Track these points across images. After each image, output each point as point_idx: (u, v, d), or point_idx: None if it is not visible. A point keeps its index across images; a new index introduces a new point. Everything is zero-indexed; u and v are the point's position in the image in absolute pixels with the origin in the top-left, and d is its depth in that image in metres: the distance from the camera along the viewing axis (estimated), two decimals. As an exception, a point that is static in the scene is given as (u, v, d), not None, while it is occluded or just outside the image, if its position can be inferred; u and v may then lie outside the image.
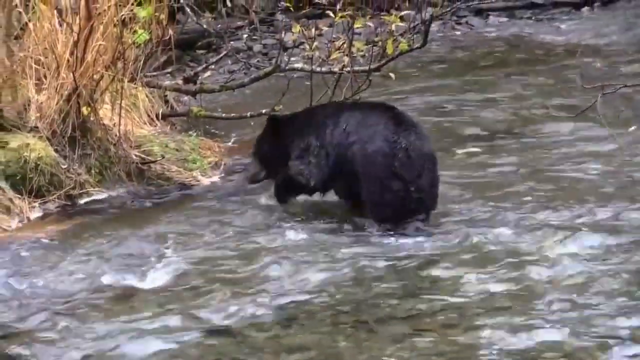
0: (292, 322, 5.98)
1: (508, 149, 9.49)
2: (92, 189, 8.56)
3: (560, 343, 5.48)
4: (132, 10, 8.80)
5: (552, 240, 6.96)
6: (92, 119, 8.70)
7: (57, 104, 8.55)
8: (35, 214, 8.17)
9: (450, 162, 8.86)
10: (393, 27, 9.34)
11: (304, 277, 6.62)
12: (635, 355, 5.33)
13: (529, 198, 7.94)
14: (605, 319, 5.75)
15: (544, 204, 7.80)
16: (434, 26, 13.61)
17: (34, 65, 8.70)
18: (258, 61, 13.48)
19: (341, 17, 9.25)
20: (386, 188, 7.25)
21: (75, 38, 8.49)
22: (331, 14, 9.34)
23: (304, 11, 14.23)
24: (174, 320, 6.01)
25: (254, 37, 14.59)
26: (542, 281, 6.35)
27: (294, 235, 7.43)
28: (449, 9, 13.33)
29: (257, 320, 6.00)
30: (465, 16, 16.12)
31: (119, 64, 8.78)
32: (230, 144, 10.11)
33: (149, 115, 9.77)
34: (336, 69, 9.53)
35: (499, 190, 8.19)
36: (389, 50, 9.33)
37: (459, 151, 9.48)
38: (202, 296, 6.41)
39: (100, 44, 8.58)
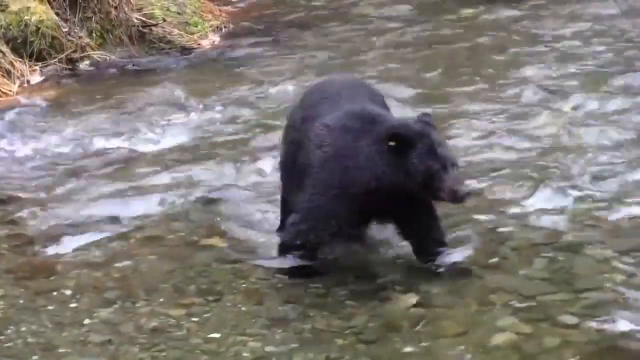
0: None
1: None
2: (93, 52, 8.55)
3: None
4: None
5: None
6: (92, -19, 8.66)
7: (57, -35, 8.49)
8: (36, 77, 8.19)
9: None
10: None
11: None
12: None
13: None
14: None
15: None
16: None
17: None
18: None
19: None
20: None
21: None
22: None
23: None
24: (172, 183, 6.03)
25: None
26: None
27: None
28: None
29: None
30: None
31: None
32: (231, 8, 10.03)
33: (150, -22, 9.68)
34: None
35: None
36: None
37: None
38: (200, 160, 6.42)
39: None
